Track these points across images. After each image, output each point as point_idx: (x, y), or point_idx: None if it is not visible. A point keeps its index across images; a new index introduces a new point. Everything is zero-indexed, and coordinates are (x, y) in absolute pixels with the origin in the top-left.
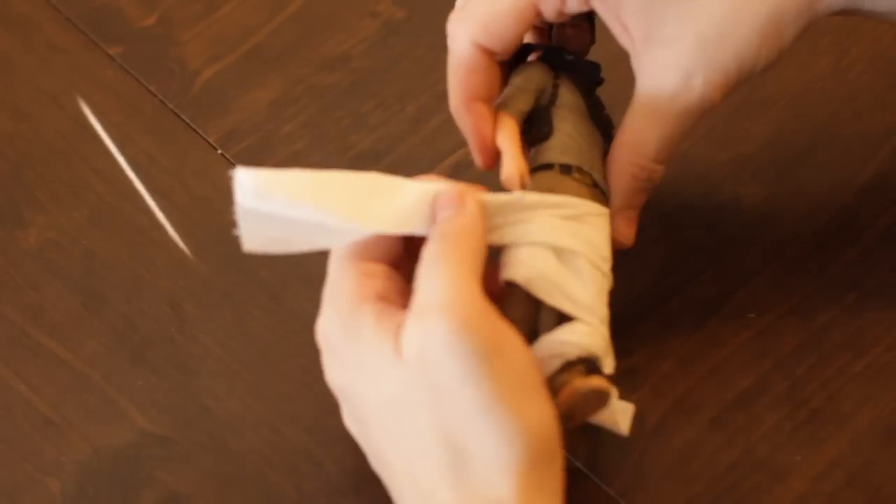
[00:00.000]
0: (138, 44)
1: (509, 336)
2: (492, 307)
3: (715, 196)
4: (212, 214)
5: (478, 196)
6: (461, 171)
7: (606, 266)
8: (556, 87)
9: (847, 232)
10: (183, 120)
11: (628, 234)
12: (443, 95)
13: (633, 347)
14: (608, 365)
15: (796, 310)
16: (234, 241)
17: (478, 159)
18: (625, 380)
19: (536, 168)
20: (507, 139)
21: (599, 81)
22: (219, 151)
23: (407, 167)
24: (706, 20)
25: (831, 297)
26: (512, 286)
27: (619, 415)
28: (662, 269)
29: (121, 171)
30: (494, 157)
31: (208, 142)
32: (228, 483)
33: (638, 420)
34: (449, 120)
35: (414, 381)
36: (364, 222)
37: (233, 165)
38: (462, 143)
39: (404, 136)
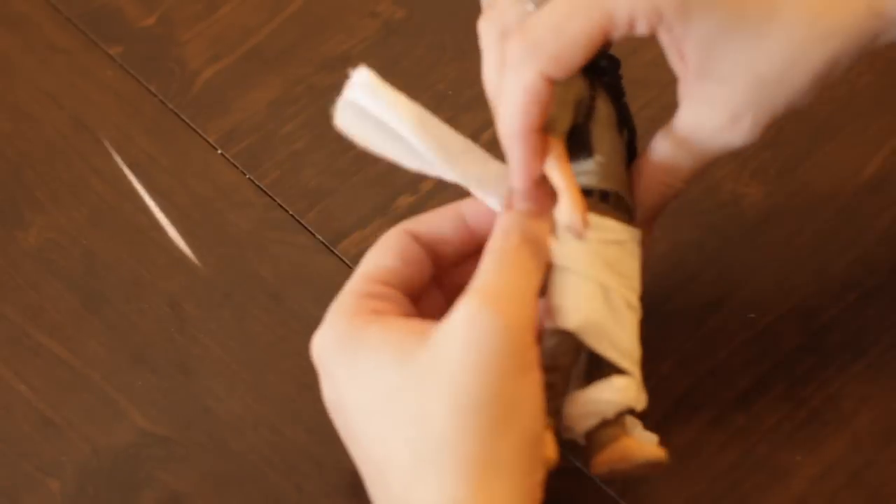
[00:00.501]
0: (138, 44)
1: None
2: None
3: (715, 196)
4: (212, 214)
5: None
6: None
7: (637, 298)
8: (592, 98)
9: (847, 232)
10: (183, 120)
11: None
12: (443, 95)
13: None
14: (640, 403)
15: (796, 310)
16: (234, 241)
17: (520, 186)
18: None
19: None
20: (561, 172)
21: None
22: (219, 151)
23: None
24: (766, 63)
25: (831, 297)
26: (562, 333)
27: (649, 447)
28: (662, 269)
29: (121, 170)
30: (537, 183)
31: (208, 142)
32: (228, 483)
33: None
34: (449, 120)
35: (431, 365)
36: (447, 162)
37: (233, 165)
38: None
39: None
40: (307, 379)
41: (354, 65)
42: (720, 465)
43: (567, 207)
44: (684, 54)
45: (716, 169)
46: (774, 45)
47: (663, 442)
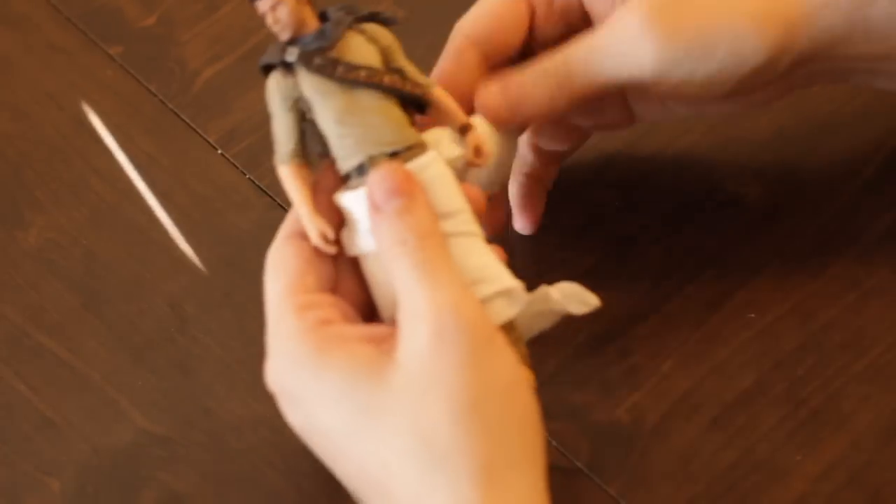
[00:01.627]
0: (138, 44)
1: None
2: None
3: (715, 196)
4: (212, 214)
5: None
6: None
7: (470, 219)
8: (297, 86)
9: (847, 232)
10: (183, 120)
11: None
12: None
13: (633, 347)
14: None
15: (796, 310)
16: (234, 241)
17: (436, 76)
18: (625, 380)
19: (351, 174)
20: (301, 199)
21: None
22: (219, 151)
23: None
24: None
25: (831, 297)
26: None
27: (572, 298)
28: (662, 269)
29: (121, 171)
30: (451, 90)
31: (208, 142)
32: (228, 483)
33: (638, 420)
34: None
35: (405, 382)
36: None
37: (233, 165)
38: None
39: None
40: None
41: None
42: (720, 465)
43: (310, 233)
44: None
45: (716, 169)
46: None
47: (663, 442)
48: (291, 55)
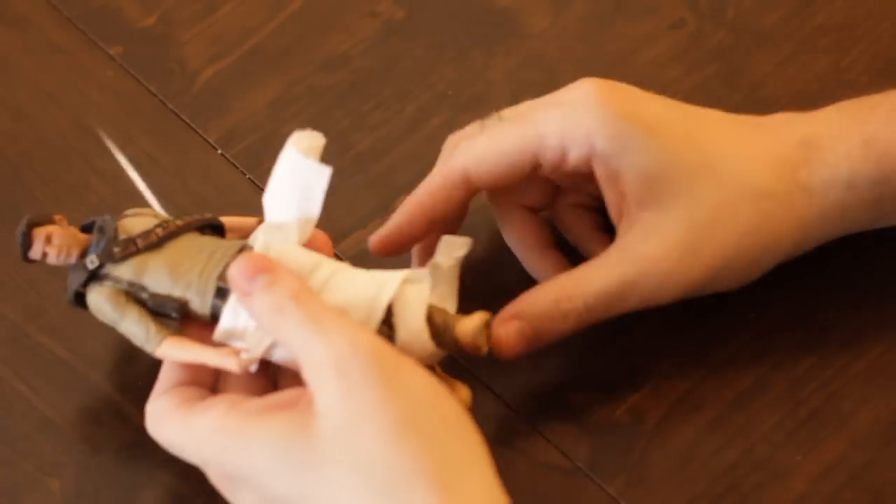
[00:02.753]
0: (138, 44)
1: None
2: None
3: None
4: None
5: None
6: None
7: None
8: (118, 281)
9: None
10: (183, 120)
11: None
12: (443, 96)
13: (633, 347)
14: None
15: (796, 310)
16: None
17: (376, 243)
18: (625, 380)
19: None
20: (198, 351)
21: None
22: (219, 151)
23: (407, 167)
24: (698, 205)
25: (831, 297)
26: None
27: (452, 248)
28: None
29: (121, 171)
30: (384, 252)
31: (208, 142)
32: None
33: (638, 420)
34: (449, 120)
35: (333, 429)
36: None
37: (233, 165)
38: None
39: (404, 136)
40: None
41: (355, 65)
42: (720, 465)
43: (231, 366)
44: (623, 188)
45: None
46: (707, 191)
47: (663, 442)
48: (92, 263)
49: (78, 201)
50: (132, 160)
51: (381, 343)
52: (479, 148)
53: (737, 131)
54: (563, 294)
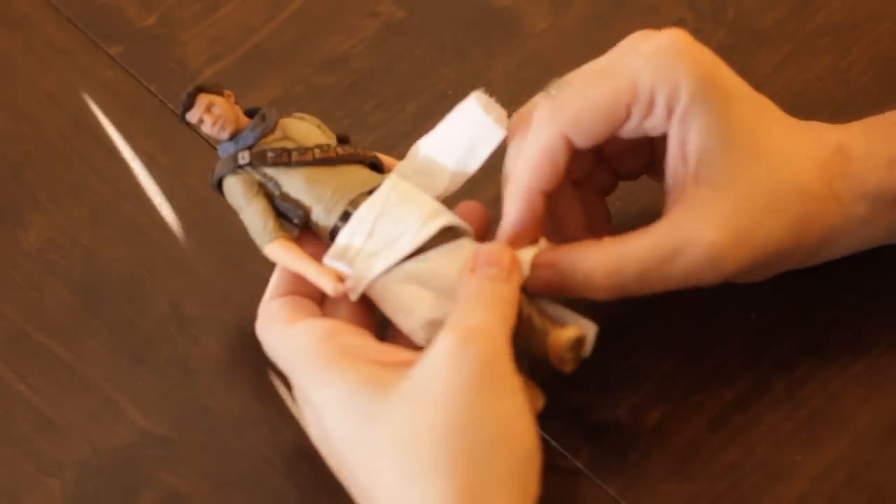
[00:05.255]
0: (138, 44)
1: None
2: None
3: None
4: (212, 214)
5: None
6: None
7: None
8: (258, 171)
9: None
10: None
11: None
12: (443, 96)
13: (633, 347)
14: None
15: (796, 310)
16: (234, 241)
17: (505, 237)
18: (625, 380)
19: (337, 225)
20: (301, 261)
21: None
22: None
23: None
24: (751, 188)
25: (831, 297)
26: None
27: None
28: None
29: (121, 171)
30: (519, 244)
31: (208, 142)
32: (228, 483)
33: (638, 420)
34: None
35: (408, 392)
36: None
37: None
38: None
39: (404, 136)
40: None
41: (355, 65)
42: (720, 465)
43: (327, 287)
44: (687, 154)
45: None
46: (764, 179)
47: (664, 442)
48: (244, 159)
49: (78, 201)
50: (132, 160)
51: (505, 351)
52: (574, 108)
53: (785, 124)
54: (600, 267)
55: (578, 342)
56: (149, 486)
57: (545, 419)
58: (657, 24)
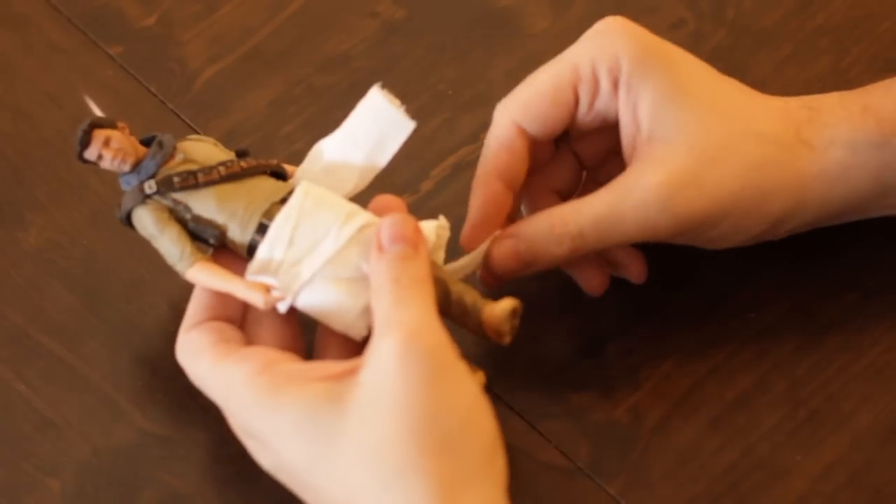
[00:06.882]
0: (138, 44)
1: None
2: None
3: None
4: None
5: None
6: (461, 171)
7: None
8: (166, 198)
9: (847, 232)
10: (183, 120)
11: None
12: (443, 96)
13: (633, 347)
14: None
15: (796, 310)
16: None
17: (467, 232)
18: (625, 380)
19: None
20: (227, 280)
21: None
22: None
23: (407, 167)
24: (704, 138)
25: (831, 297)
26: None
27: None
28: (663, 269)
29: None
30: (481, 237)
31: None
32: (228, 483)
33: (638, 420)
34: (449, 120)
35: (364, 400)
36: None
37: None
38: (462, 143)
39: None
40: None
41: (355, 65)
42: (720, 465)
43: (257, 301)
44: (638, 117)
45: None
46: (715, 127)
47: (664, 442)
48: (150, 188)
49: (78, 201)
50: None
51: (446, 340)
52: (521, 97)
53: (744, 88)
54: (557, 218)
55: (514, 312)
56: (149, 486)
57: (545, 419)
58: (657, 24)
